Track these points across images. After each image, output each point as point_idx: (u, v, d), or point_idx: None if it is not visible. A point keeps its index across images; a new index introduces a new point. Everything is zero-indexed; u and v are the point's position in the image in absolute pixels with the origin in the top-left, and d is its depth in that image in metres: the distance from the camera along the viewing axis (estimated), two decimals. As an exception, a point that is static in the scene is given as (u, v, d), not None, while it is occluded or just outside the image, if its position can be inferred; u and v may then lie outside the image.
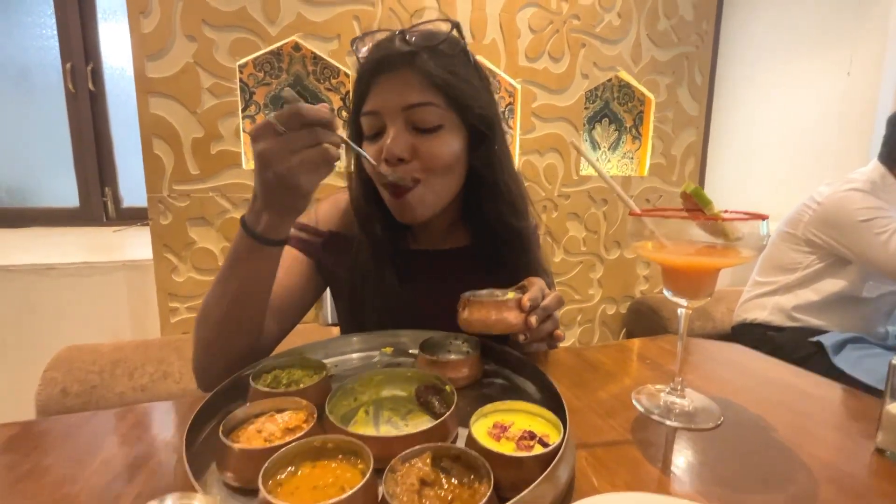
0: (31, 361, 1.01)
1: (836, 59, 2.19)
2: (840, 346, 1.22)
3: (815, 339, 1.24)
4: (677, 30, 1.65)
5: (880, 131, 2.12)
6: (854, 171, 1.28)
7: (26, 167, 1.80)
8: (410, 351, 0.62)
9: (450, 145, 0.59)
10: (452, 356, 0.60)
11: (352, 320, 0.72)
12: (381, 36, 0.61)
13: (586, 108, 1.64)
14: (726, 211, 0.49)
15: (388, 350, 0.62)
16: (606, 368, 0.62)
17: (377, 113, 0.57)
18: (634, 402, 0.52)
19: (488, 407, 0.42)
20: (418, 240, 0.70)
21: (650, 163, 1.72)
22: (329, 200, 0.73)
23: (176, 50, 1.16)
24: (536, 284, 0.54)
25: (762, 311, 1.38)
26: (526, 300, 0.50)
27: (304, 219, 0.70)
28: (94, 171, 1.83)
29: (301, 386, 0.50)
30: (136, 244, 1.46)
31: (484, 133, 0.61)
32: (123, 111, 1.78)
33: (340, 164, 1.29)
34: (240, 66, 1.25)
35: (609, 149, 1.75)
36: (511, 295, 0.51)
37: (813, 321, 1.28)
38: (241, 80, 1.27)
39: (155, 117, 1.17)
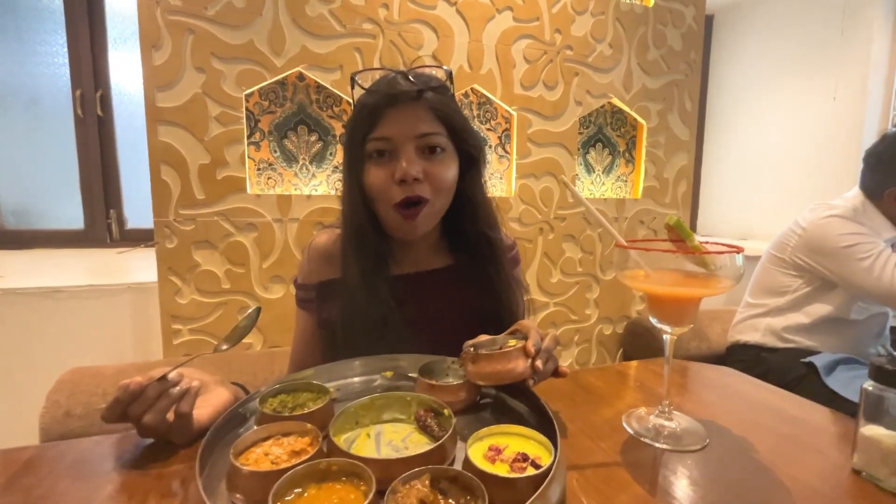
0: (37, 384, 1.03)
1: (822, 85, 2.27)
2: (832, 367, 1.24)
3: (806, 360, 1.26)
4: (666, 59, 1.71)
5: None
6: (837, 197, 1.32)
7: (34, 190, 1.84)
8: (410, 374, 0.64)
9: (451, 169, 0.67)
10: (450, 379, 0.62)
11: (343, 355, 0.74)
12: (380, 73, 0.68)
13: (580, 133, 1.69)
14: (706, 243, 0.53)
15: (389, 374, 0.64)
16: (599, 392, 0.65)
17: (390, 139, 0.63)
18: (625, 424, 0.54)
19: (484, 430, 0.45)
20: (402, 264, 0.74)
21: (643, 185, 1.76)
22: (307, 252, 0.76)
23: (186, 81, 1.21)
24: (532, 328, 0.56)
25: (755, 333, 1.40)
26: (531, 346, 0.52)
27: (298, 276, 0.76)
28: (100, 193, 1.87)
29: (306, 410, 0.52)
30: (139, 266, 1.49)
31: (474, 159, 0.70)
32: (130, 135, 1.84)
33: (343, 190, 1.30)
34: (246, 96, 1.30)
35: (603, 172, 1.79)
36: (513, 342, 0.53)
37: (804, 342, 1.31)
38: (247, 109, 1.32)
39: (164, 145, 1.22)
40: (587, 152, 1.76)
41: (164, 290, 1.26)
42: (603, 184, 1.80)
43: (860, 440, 0.45)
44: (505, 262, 0.75)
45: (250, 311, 0.63)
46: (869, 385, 0.44)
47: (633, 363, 0.77)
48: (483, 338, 0.59)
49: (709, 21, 2.62)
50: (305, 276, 0.75)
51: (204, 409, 0.53)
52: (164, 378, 0.50)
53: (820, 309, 1.28)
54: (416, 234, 0.68)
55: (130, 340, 1.29)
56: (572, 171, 1.65)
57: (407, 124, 0.63)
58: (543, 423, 0.50)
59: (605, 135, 1.77)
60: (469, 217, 0.72)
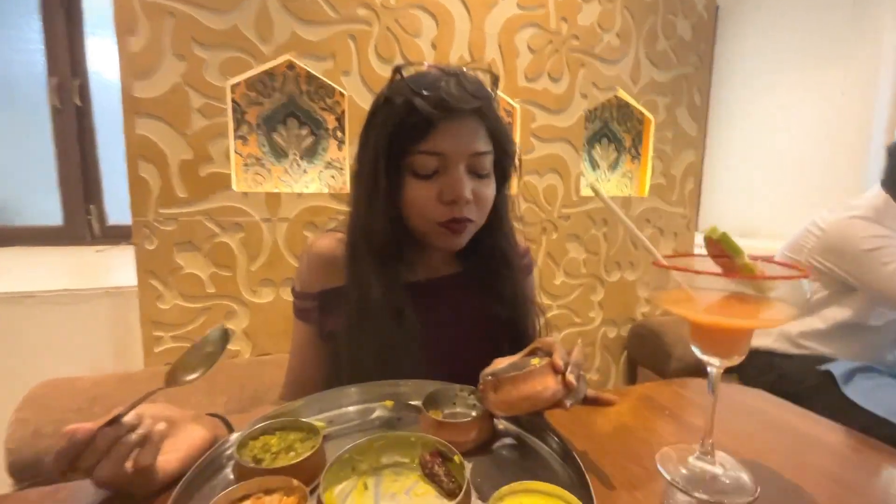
0: (6, 399, 0.95)
1: (830, 79, 2.21)
2: (850, 376, 1.18)
3: (823, 367, 1.21)
4: (676, 50, 1.64)
5: (874, 150, 2.14)
6: (856, 197, 1.26)
7: (9, 185, 1.74)
8: (412, 402, 0.57)
9: (493, 190, 0.64)
10: (458, 409, 0.55)
11: (348, 368, 0.67)
12: (427, 70, 0.61)
13: (585, 129, 1.62)
14: (758, 259, 0.46)
15: (389, 403, 0.57)
16: (623, 421, 0.58)
17: (443, 155, 0.58)
18: (660, 468, 0.48)
19: (505, 489, 0.38)
20: (414, 271, 0.68)
21: (650, 183, 1.70)
22: (311, 255, 0.69)
23: (165, 70, 1.12)
24: (554, 343, 0.50)
25: (767, 338, 1.34)
26: (558, 360, 0.45)
27: (297, 284, 0.70)
28: (79, 188, 1.77)
29: (293, 454, 0.45)
30: (120, 266, 1.39)
31: (507, 176, 0.67)
32: (110, 126, 1.73)
33: (335, 187, 1.22)
34: (231, 86, 1.21)
35: (609, 169, 1.72)
36: (537, 361, 0.46)
37: (819, 349, 1.25)
38: (232, 100, 1.23)
39: (142, 139, 1.12)
40: (592, 148, 1.68)
41: (145, 294, 1.17)
42: (608, 181, 1.73)
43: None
44: (517, 274, 0.70)
45: (212, 332, 0.51)
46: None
47: (655, 384, 0.71)
48: (500, 363, 0.53)
49: (714, 13, 2.54)
50: (305, 284, 0.69)
51: (172, 455, 0.46)
52: (117, 421, 0.43)
53: (837, 313, 1.22)
54: (459, 246, 0.64)
55: (109, 349, 1.21)
56: (577, 169, 1.58)
57: (463, 141, 0.58)
58: (569, 467, 0.44)
59: (612, 129, 1.70)
60: (490, 231, 0.68)
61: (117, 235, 1.78)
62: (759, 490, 0.44)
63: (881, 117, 2.10)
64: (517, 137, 1.48)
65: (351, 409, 0.57)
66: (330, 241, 0.68)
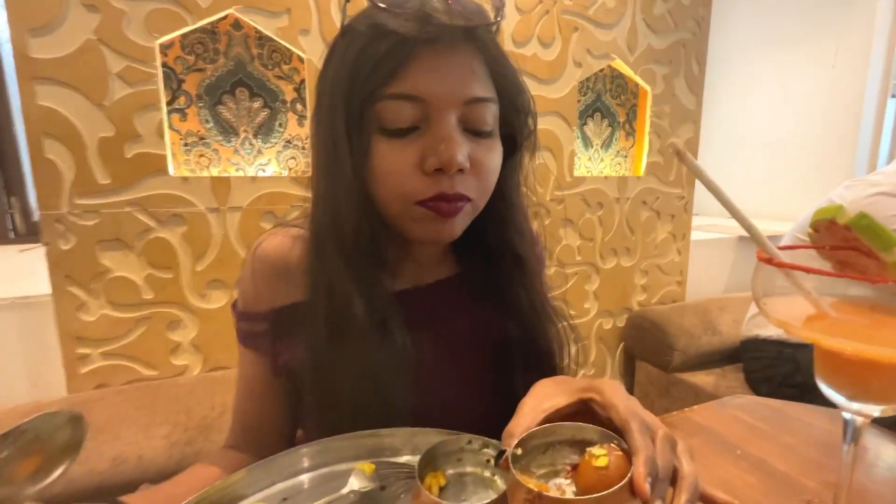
0: None
1: (822, 52, 2.12)
2: (871, 366, 1.09)
3: (842, 358, 1.11)
4: (674, 14, 1.49)
5: (865, 125, 2.08)
6: (875, 173, 1.16)
7: None
8: (401, 462, 0.41)
9: (500, 156, 0.45)
10: (467, 469, 0.39)
11: (314, 411, 0.49)
12: None
13: (578, 101, 1.46)
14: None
15: (369, 469, 0.40)
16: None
17: (422, 100, 0.39)
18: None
19: None
20: (399, 277, 0.50)
21: (647, 161, 1.56)
22: (257, 261, 0.50)
23: (71, 23, 0.89)
24: (630, 420, 0.30)
25: (776, 328, 1.24)
26: (641, 472, 0.26)
27: (239, 301, 0.52)
28: (-3, 177, 1.52)
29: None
30: (45, 269, 1.16)
31: (520, 140, 0.48)
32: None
33: (297, 170, 1.02)
34: (163, 48, 0.99)
35: (602, 146, 1.58)
36: (598, 457, 0.28)
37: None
38: (164, 65, 1.01)
39: (45, 111, 0.89)
40: (584, 123, 1.53)
41: (62, 304, 0.96)
42: (602, 160, 1.59)
43: None
44: (532, 278, 0.52)
45: (39, 415, 0.31)
46: None
47: (707, 408, 0.56)
48: (526, 417, 0.35)
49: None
50: (250, 300, 0.50)
51: None
52: None
53: (856, 300, 1.12)
54: (452, 237, 0.45)
55: (20, 374, 0.99)
56: (570, 146, 1.42)
57: (453, 80, 0.40)
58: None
59: (605, 103, 1.55)
60: (496, 218, 0.49)
61: (44, 232, 1.53)
62: None
63: (873, 90, 2.04)
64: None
65: (314, 475, 0.40)
66: (282, 241, 0.49)
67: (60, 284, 0.95)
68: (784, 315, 0.30)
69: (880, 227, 0.30)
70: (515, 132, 0.47)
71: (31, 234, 1.61)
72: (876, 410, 0.29)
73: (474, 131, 0.42)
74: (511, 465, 0.29)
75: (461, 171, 0.41)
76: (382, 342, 0.44)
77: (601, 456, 0.28)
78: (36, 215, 1.60)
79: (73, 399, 0.93)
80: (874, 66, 2.03)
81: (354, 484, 0.39)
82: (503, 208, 0.50)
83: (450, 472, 0.39)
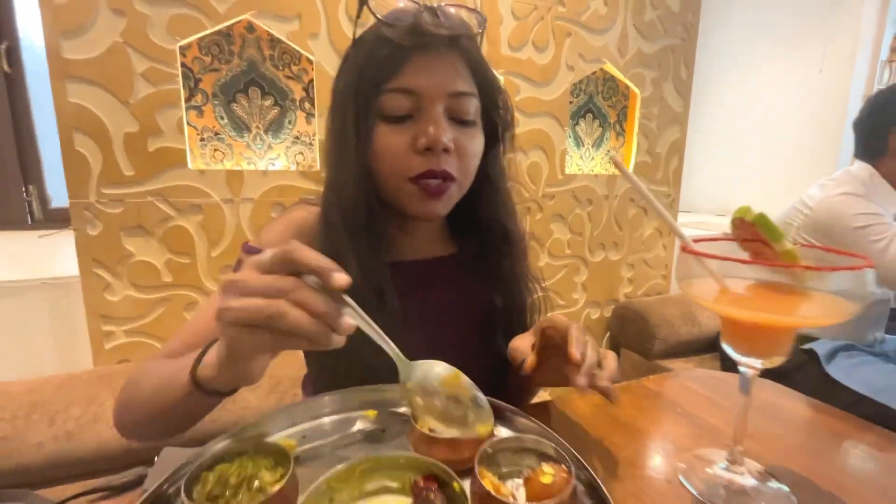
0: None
1: (809, 56, 2.20)
2: (832, 355, 1.18)
3: (806, 346, 1.21)
4: (664, 21, 1.57)
5: (849, 128, 2.15)
6: (841, 172, 1.24)
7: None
8: (401, 410, 0.50)
9: (481, 143, 0.54)
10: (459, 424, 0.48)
11: (324, 361, 0.58)
12: (401, 3, 0.51)
13: (570, 103, 1.54)
14: (802, 245, 0.39)
15: (372, 413, 0.49)
16: (633, 422, 0.52)
17: (415, 93, 0.49)
18: (682, 478, 0.42)
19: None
20: (400, 250, 0.59)
21: (635, 161, 1.65)
22: (282, 220, 0.59)
23: (100, 26, 0.97)
24: (570, 329, 0.45)
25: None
26: (574, 352, 0.42)
27: (256, 241, 0.58)
28: (15, 166, 1.59)
29: (257, 487, 0.36)
30: (65, 253, 1.25)
31: (500, 132, 0.58)
32: (48, 97, 1.54)
33: (304, 165, 1.11)
34: (182, 49, 1.07)
35: (593, 146, 1.66)
36: (548, 475, 0.35)
37: (805, 328, 1.25)
38: (183, 65, 1.08)
39: (76, 107, 0.98)
40: (577, 124, 1.61)
41: (89, 285, 1.04)
42: (592, 158, 1.67)
43: None
44: (518, 255, 0.63)
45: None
46: None
47: (661, 378, 0.65)
48: (523, 340, 0.51)
49: (697, -15, 2.47)
50: (267, 244, 0.55)
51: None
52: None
53: (823, 294, 1.21)
54: (439, 214, 0.54)
55: (51, 348, 1.08)
56: (562, 145, 1.51)
57: (440, 77, 0.49)
58: (585, 483, 0.37)
59: (596, 104, 1.63)
60: (485, 200, 0.59)
61: (61, 219, 1.61)
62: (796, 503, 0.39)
63: (857, 95, 2.11)
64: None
65: (325, 421, 0.49)
66: (307, 214, 0.58)
67: (88, 267, 1.04)
68: (697, 292, 0.39)
69: (773, 224, 0.39)
70: (496, 124, 0.57)
71: (48, 220, 1.68)
72: (758, 363, 0.38)
73: (458, 120, 0.51)
74: (478, 463, 0.36)
75: (446, 151, 0.49)
76: (378, 306, 0.52)
77: (548, 474, 0.36)
78: (53, 203, 1.68)
79: (99, 371, 1.01)
80: (858, 71, 2.10)
81: (360, 426, 0.48)
82: (490, 189, 0.59)
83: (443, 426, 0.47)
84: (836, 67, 2.13)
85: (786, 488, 0.40)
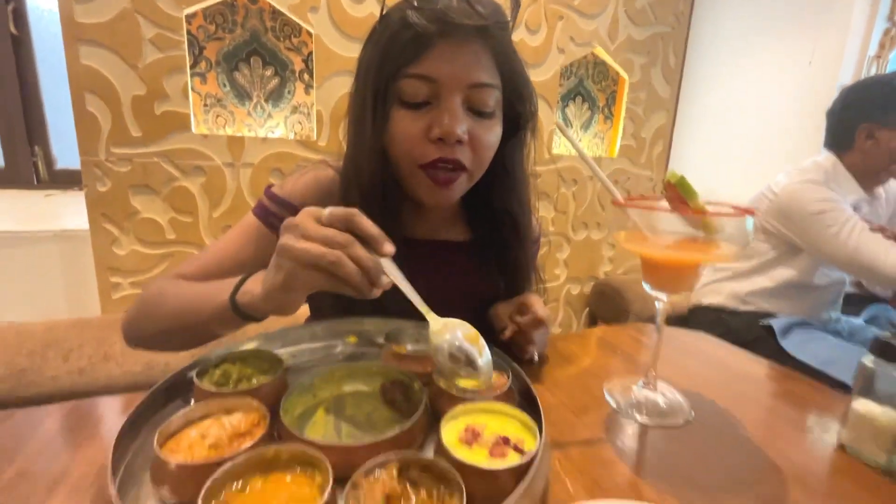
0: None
1: (799, 48, 2.24)
2: (787, 330, 1.28)
3: (764, 322, 1.30)
4: (655, 8, 1.62)
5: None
6: (808, 161, 1.32)
7: (-63, 119, 1.58)
8: (378, 340, 0.58)
9: (497, 135, 0.53)
10: (421, 347, 0.57)
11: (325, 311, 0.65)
12: None
13: (560, 85, 1.60)
14: (710, 204, 0.47)
15: (352, 339, 0.58)
16: (579, 360, 0.61)
17: (434, 81, 0.48)
18: (607, 395, 0.51)
19: (459, 408, 0.40)
20: (414, 228, 0.61)
21: (620, 144, 1.71)
22: (308, 175, 0.60)
23: (111, -8, 1.02)
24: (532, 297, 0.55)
25: (718, 296, 1.43)
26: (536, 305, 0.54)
27: (281, 188, 0.60)
28: (21, 126, 1.64)
29: (254, 382, 0.45)
30: (70, 212, 1.32)
31: (521, 124, 0.57)
32: (54, 59, 1.59)
33: (302, 134, 1.17)
34: (188, 17, 1.12)
35: (581, 128, 1.72)
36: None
37: (764, 306, 1.34)
38: (189, 33, 1.14)
39: (87, 69, 1.04)
40: (566, 105, 1.68)
41: (98, 238, 1.12)
42: (580, 140, 1.74)
43: (851, 416, 0.43)
44: (526, 250, 0.64)
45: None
46: (868, 360, 0.42)
47: (612, 328, 0.74)
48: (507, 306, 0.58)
49: (695, -27, 2.50)
50: (289, 193, 0.58)
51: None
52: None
53: (784, 273, 1.30)
54: (448, 202, 0.55)
55: (62, 295, 1.16)
56: (550, 126, 1.57)
57: (461, 67, 0.48)
58: (524, 396, 0.46)
59: (586, 88, 1.69)
60: (498, 191, 0.59)
61: (66, 180, 1.67)
62: (693, 414, 0.48)
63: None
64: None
65: (313, 345, 0.58)
66: (331, 176, 0.60)
67: (97, 221, 1.11)
68: (623, 240, 0.47)
69: (690, 186, 0.47)
70: (519, 116, 0.56)
71: (53, 181, 1.74)
72: (664, 297, 0.46)
73: (476, 111, 0.50)
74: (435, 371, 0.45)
75: (460, 142, 0.49)
76: None
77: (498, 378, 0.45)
78: (58, 164, 1.73)
79: (108, 318, 1.10)
80: (847, 65, 2.15)
81: (342, 349, 0.57)
82: (507, 181, 0.59)
83: (409, 347, 0.56)
84: (825, 60, 2.18)
85: (685, 402, 0.49)
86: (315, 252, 0.35)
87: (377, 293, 0.38)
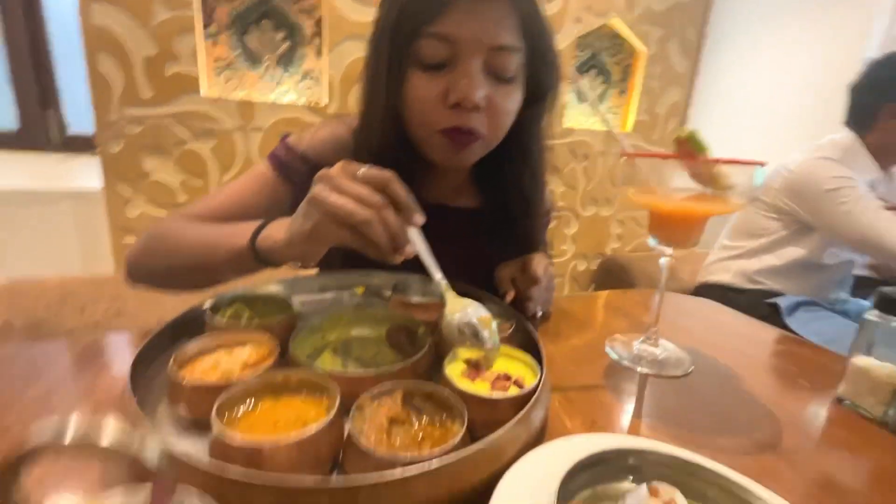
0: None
1: (823, 24, 2.17)
2: (794, 308, 1.27)
3: (771, 300, 1.30)
4: (675, -22, 1.57)
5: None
6: (825, 139, 1.29)
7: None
8: (385, 293, 0.59)
9: (517, 103, 0.52)
10: (428, 299, 0.58)
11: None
12: None
13: (575, 57, 1.57)
14: (720, 160, 0.47)
15: (360, 290, 0.59)
16: (582, 319, 0.62)
17: (454, 41, 0.46)
18: (608, 349, 0.52)
19: (463, 349, 0.41)
20: (424, 191, 0.57)
21: (634, 119, 1.69)
22: (326, 130, 0.59)
23: (122, -52, 1.01)
24: (537, 269, 0.54)
25: (725, 274, 1.42)
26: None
27: (298, 140, 0.59)
28: (34, 90, 1.65)
29: (263, 321, 0.46)
30: (84, 175, 1.34)
31: (543, 93, 0.54)
32: (64, 25, 1.58)
33: (312, 100, 1.16)
34: (199, -24, 1.11)
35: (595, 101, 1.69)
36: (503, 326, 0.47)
37: (771, 285, 1.33)
38: (200, -7, 1.13)
39: (100, 29, 1.04)
40: (580, 78, 1.64)
41: (111, 198, 1.14)
42: (594, 114, 1.71)
43: (850, 370, 0.43)
44: (536, 222, 0.63)
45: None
46: (872, 315, 0.42)
47: (617, 292, 0.75)
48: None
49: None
50: (310, 147, 0.58)
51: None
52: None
53: (794, 252, 1.29)
54: (464, 164, 0.54)
55: (76, 253, 1.19)
56: (563, 98, 1.55)
57: (483, 27, 0.46)
58: (526, 342, 0.47)
59: (601, 61, 1.65)
60: (510, 161, 0.58)
61: (79, 146, 1.68)
62: (692, 367, 0.48)
63: (868, 68, 2.10)
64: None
65: (323, 295, 0.59)
66: (348, 134, 0.59)
67: (111, 182, 1.13)
68: (633, 194, 0.47)
69: (699, 140, 0.46)
70: (541, 83, 0.53)
71: (66, 146, 1.75)
72: (670, 251, 0.46)
73: (496, 76, 0.48)
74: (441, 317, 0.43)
75: (477, 108, 0.47)
76: None
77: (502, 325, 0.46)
78: (71, 130, 1.74)
79: (121, 277, 1.12)
80: (871, 43, 2.08)
81: (349, 298, 0.58)
82: (520, 154, 0.57)
83: (415, 298, 0.57)
84: (849, 37, 2.10)
85: (685, 356, 0.50)
86: (348, 208, 0.34)
87: (398, 260, 0.37)
